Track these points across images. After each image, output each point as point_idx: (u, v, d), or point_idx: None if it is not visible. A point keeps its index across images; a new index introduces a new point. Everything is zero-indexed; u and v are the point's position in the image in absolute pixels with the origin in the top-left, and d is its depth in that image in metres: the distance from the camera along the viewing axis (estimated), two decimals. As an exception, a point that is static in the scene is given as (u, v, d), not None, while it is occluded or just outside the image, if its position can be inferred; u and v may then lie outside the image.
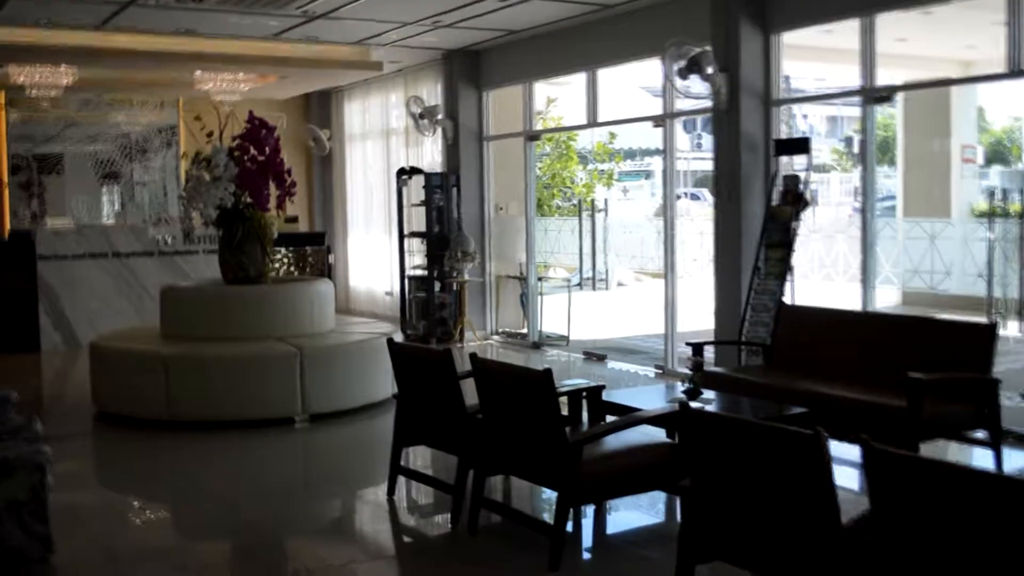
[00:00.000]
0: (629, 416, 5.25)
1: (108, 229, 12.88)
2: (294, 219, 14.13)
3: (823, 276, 12.51)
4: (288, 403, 7.89)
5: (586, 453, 4.79)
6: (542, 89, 12.32)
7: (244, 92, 13.09)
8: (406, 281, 12.77)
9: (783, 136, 8.86)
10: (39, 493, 4.89)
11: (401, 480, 6.10)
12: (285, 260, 13.63)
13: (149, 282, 12.25)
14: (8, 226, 13.77)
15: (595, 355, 11.01)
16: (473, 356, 5.19)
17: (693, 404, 5.24)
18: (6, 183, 13.83)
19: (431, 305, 12.31)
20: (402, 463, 6.00)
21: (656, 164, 26.45)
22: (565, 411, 5.64)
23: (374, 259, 14.83)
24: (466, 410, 5.39)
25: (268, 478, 6.71)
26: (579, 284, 14.26)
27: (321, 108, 15.81)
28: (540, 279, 12.32)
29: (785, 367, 6.97)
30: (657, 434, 5.36)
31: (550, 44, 11.20)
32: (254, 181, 8.62)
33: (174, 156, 14.47)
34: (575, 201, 15.97)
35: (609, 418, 5.79)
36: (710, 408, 5.59)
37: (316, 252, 13.89)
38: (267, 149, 8.73)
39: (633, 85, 12.18)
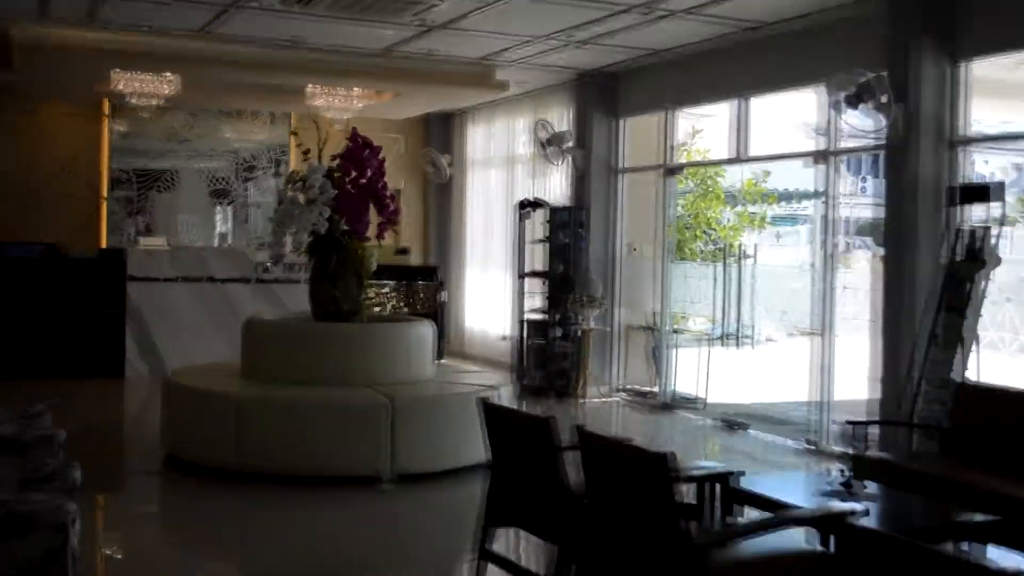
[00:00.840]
0: (771, 517, 4.51)
1: (204, 252, 12.69)
2: (405, 251, 13.75)
3: (1017, 348, 11.38)
4: (373, 460, 7.34)
5: (714, 558, 4.08)
6: (685, 119, 11.63)
7: (358, 109, 12.74)
8: (524, 325, 12.23)
9: (962, 182, 7.93)
10: (58, 556, 4.41)
11: (491, 568, 5.44)
12: (392, 295, 13.19)
13: (244, 311, 11.75)
14: (105, 243, 13.73)
15: (735, 423, 10.18)
16: (580, 429, 4.53)
17: (850, 504, 4.51)
18: (104, 197, 13.81)
19: (550, 354, 11.72)
20: (492, 548, 5.34)
21: (811, 208, 25.31)
22: (692, 499, 4.94)
23: (491, 298, 14.33)
24: (570, 491, 4.72)
25: (343, 547, 6.18)
26: (721, 339, 13.40)
27: (442, 131, 15.48)
28: (675, 331, 11.57)
29: (966, 458, 6.08)
30: (802, 538, 4.59)
31: (695, 68, 10.55)
32: (353, 206, 8.20)
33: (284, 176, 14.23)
34: (719, 245, 15.19)
35: (747, 511, 5.05)
36: (871, 509, 4.80)
37: (427, 288, 13.40)
38: (369, 171, 8.31)
39: (788, 118, 11.37)
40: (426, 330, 8.49)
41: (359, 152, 8.30)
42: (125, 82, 11.45)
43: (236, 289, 12.34)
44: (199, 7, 9.24)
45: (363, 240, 8.28)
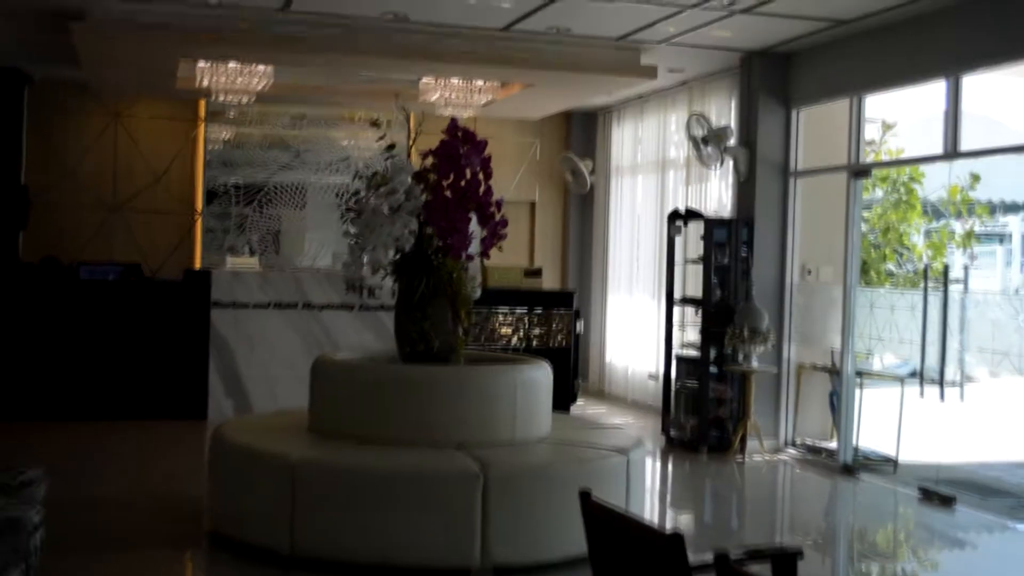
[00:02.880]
0: None
1: (301, 273, 11.48)
2: (537, 272, 12.34)
3: None
4: (461, 547, 5.84)
5: None
6: (876, 108, 9.86)
7: (480, 106, 11.44)
8: (674, 363, 10.71)
9: None
10: None
11: None
12: (521, 326, 11.79)
13: (344, 342, 10.84)
14: (199, 263, 12.82)
15: (937, 495, 8.31)
16: (582, 496, 3.28)
17: None
18: (199, 212, 12.89)
19: (704, 399, 10.13)
20: None
21: (1014, 224, 23.00)
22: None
23: (637, 329, 12.94)
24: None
25: None
26: (919, 383, 11.49)
27: (583, 133, 14.26)
28: (860, 373, 9.76)
29: None
30: None
31: (891, 41, 8.80)
32: (447, 216, 6.73)
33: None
34: (915, 266, 13.27)
35: None
36: None
37: (563, 316, 11.93)
38: (469, 172, 6.83)
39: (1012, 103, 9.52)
40: (541, 374, 6.94)
41: (455, 148, 6.83)
42: (206, 74, 10.38)
43: (337, 317, 11.13)
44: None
45: (458, 259, 6.81)
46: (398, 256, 6.81)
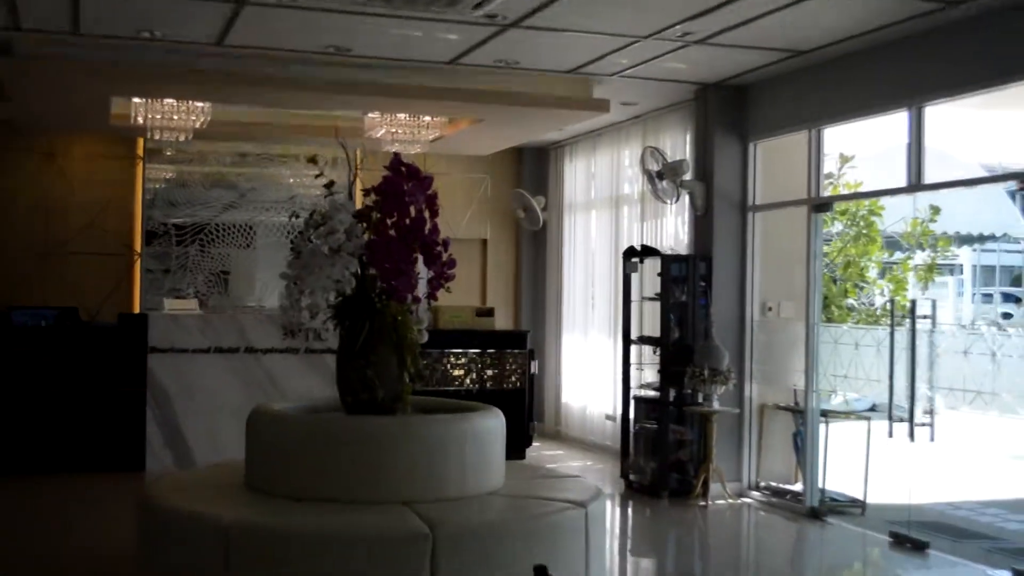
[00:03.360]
0: None
1: (243, 316, 11.11)
2: (488, 312, 12.05)
3: None
4: (407, 619, 5.46)
5: None
6: (832, 141, 9.66)
7: (429, 142, 11.17)
8: (632, 404, 10.44)
9: None
10: None
11: None
12: (473, 367, 11.49)
13: (289, 388, 10.41)
14: (138, 306, 12.42)
15: (909, 539, 8.05)
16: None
17: None
18: (139, 253, 12.51)
19: (665, 441, 9.85)
20: None
21: (963, 255, 23.10)
22: None
23: (593, 370, 12.67)
24: None
25: None
26: (888, 421, 11.26)
27: (535, 169, 14.04)
28: (824, 412, 9.49)
29: None
30: None
31: (850, 72, 8.63)
32: (390, 256, 6.38)
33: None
34: (874, 302, 13.10)
35: None
36: None
37: (516, 357, 11.64)
38: (413, 210, 6.50)
39: (970, 132, 9.40)
40: (493, 422, 6.59)
41: (399, 184, 6.49)
42: (140, 111, 10.04)
43: (281, 362, 10.68)
44: (206, 5, 7.64)
45: (403, 301, 6.46)
46: (339, 299, 6.49)
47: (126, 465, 10.26)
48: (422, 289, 6.53)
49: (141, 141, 12.36)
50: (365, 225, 6.48)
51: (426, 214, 6.60)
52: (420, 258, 6.52)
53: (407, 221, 6.49)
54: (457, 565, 5.54)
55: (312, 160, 6.72)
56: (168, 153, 12.55)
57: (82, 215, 12.23)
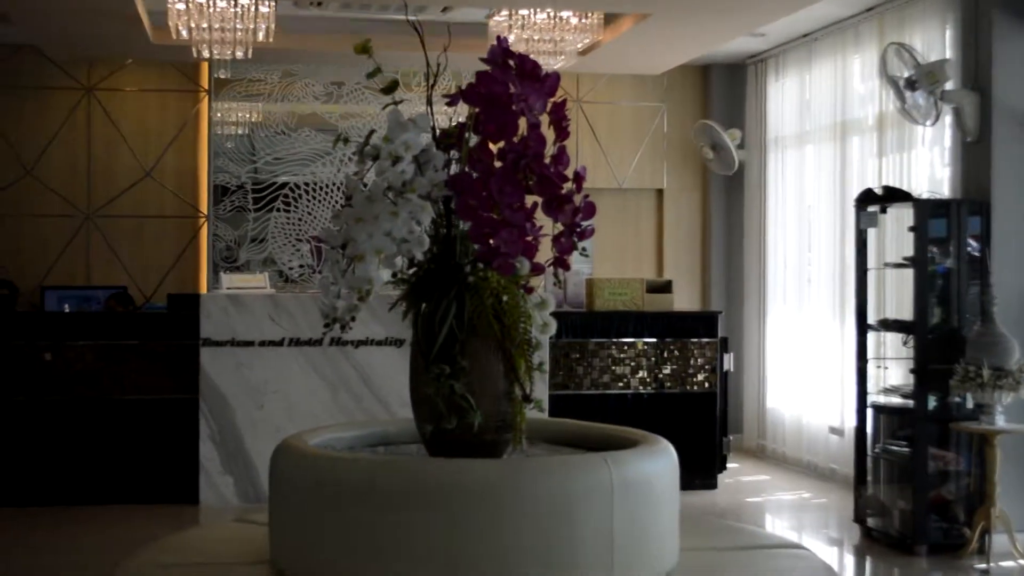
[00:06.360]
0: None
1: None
2: (665, 287, 11.10)
3: None
4: None
5: None
6: None
7: (578, 53, 10.50)
8: (869, 415, 9.21)
9: None
10: None
11: None
12: (642, 364, 10.57)
13: (392, 394, 9.40)
14: (205, 285, 11.99)
15: None
16: None
17: None
18: (205, 216, 12.10)
19: (922, 471, 8.54)
20: None
21: None
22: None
23: (812, 366, 11.59)
24: None
25: None
26: None
27: (727, 93, 13.33)
28: None
29: None
30: None
31: None
32: (488, 199, 4.74)
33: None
34: None
35: None
36: None
37: (704, 348, 10.79)
38: (525, 124, 4.82)
39: None
40: (661, 465, 4.81)
41: (501, 85, 4.81)
42: (183, 20, 9.08)
43: (379, 356, 9.66)
44: None
45: (515, 271, 4.81)
46: (412, 270, 4.87)
47: (177, 496, 9.52)
48: (544, 253, 4.91)
49: (206, 69, 11.89)
50: (454, 153, 4.89)
51: (549, 133, 5.00)
52: (539, 203, 4.95)
53: (514, 142, 4.85)
54: None
55: (364, 50, 5.04)
56: (241, 87, 12.09)
57: (133, 167, 11.97)
